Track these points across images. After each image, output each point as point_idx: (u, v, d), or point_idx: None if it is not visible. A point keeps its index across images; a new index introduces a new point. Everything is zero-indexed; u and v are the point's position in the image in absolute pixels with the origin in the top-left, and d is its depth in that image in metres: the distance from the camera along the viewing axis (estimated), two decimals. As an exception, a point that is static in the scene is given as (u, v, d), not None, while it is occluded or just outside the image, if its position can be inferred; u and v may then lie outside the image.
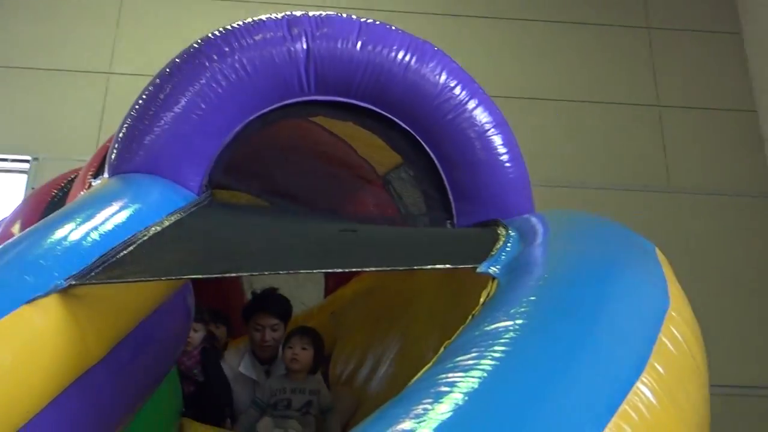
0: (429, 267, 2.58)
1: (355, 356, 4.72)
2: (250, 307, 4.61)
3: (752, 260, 7.81)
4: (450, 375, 1.64)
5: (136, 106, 3.54)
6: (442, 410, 1.51)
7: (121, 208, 2.97)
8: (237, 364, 4.50)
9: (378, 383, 4.36)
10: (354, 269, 2.76)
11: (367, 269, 2.76)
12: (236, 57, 3.54)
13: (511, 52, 8.92)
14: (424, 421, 1.47)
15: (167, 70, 3.58)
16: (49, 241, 2.66)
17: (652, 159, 8.33)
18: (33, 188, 6.15)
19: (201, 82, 3.50)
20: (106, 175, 3.53)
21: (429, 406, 1.52)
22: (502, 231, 2.99)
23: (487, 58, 8.53)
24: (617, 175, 8.19)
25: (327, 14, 3.71)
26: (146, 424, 3.24)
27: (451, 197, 3.83)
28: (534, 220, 3.10)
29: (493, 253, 2.61)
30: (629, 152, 8.36)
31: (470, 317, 2.07)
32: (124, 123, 3.55)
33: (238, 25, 3.62)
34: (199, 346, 4.31)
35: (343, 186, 4.41)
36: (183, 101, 3.48)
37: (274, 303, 4.61)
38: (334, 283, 5.47)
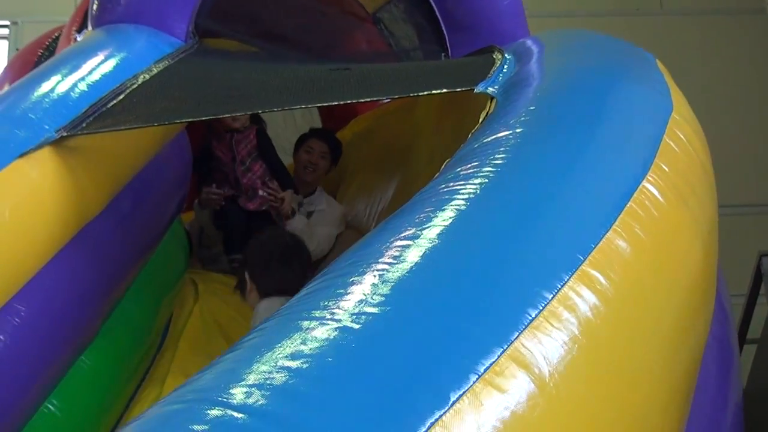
0: (425, 92, 2.53)
1: (358, 198, 4.72)
2: (305, 135, 4.66)
3: (749, 78, 7.69)
4: (451, 184, 1.61)
5: (113, -47, 3.41)
6: (445, 216, 1.49)
7: (107, 58, 2.90)
8: None
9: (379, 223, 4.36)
10: (350, 101, 2.70)
11: (364, 99, 2.70)
12: None
13: None
14: (428, 228, 1.45)
15: None
16: (36, 94, 2.61)
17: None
18: (17, 50, 6.02)
19: None
20: (89, 28, 3.43)
21: (431, 214, 1.50)
22: (497, 55, 2.92)
23: None
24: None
25: None
26: (153, 277, 3.24)
27: (443, 28, 3.73)
28: (529, 42, 3.03)
29: (490, 75, 2.55)
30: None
31: (470, 135, 2.03)
32: (102, -28, 3.43)
33: None
34: (249, 126, 4.17)
35: (333, 24, 4.29)
36: (160, -58, 3.35)
37: (330, 135, 4.73)
38: (332, 126, 5.40)
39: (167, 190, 3.36)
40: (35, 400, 2.40)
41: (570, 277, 1.33)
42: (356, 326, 1.22)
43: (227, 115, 2.73)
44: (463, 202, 1.53)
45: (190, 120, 2.64)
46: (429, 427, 1.07)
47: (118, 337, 2.82)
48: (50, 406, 2.48)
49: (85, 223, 2.57)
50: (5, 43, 7.65)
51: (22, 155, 2.34)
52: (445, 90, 2.51)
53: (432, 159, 3.90)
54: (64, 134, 2.47)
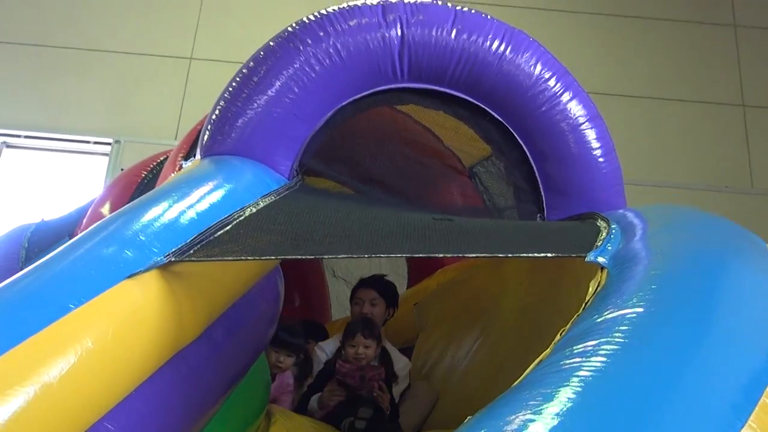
0: (533, 255, 2.51)
1: (436, 349, 4.68)
2: (354, 287, 4.71)
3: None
4: (577, 359, 1.59)
5: (230, 89, 3.53)
6: (571, 392, 1.47)
7: (216, 188, 2.96)
8: (333, 349, 4.45)
9: (459, 377, 4.32)
10: (455, 254, 2.71)
11: (469, 255, 2.70)
12: (331, 42, 3.51)
13: (594, 47, 8.81)
14: (553, 404, 1.43)
15: (261, 53, 3.56)
16: (146, 217, 2.66)
17: (735, 159, 8.16)
18: (122, 169, 6.19)
19: (295, 66, 3.48)
20: (198, 156, 3.53)
21: (557, 388, 1.47)
22: (602, 223, 2.92)
23: (570, 54, 8.40)
24: (699, 174, 8.03)
25: (422, 1, 3.67)
26: (236, 410, 3.22)
27: (542, 190, 3.75)
28: (630, 215, 3.02)
29: (598, 243, 2.55)
30: (712, 152, 8.20)
31: (583, 306, 2.01)
32: (217, 105, 3.54)
33: (333, 10, 3.59)
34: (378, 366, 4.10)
35: (431, 175, 4.36)
36: (277, 84, 3.47)
37: (375, 280, 4.72)
38: (417, 274, 5.42)
39: (258, 322, 3.37)
40: None
41: (710, 473, 1.30)
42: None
43: (330, 257, 2.74)
44: (590, 378, 1.50)
45: (293, 258, 2.66)
46: None
47: (197, 469, 2.80)
48: None
49: (179, 348, 2.58)
50: (105, 160, 7.95)
51: (129, 276, 2.38)
52: (553, 255, 2.50)
53: (520, 316, 3.87)
54: (173, 259, 2.51)
